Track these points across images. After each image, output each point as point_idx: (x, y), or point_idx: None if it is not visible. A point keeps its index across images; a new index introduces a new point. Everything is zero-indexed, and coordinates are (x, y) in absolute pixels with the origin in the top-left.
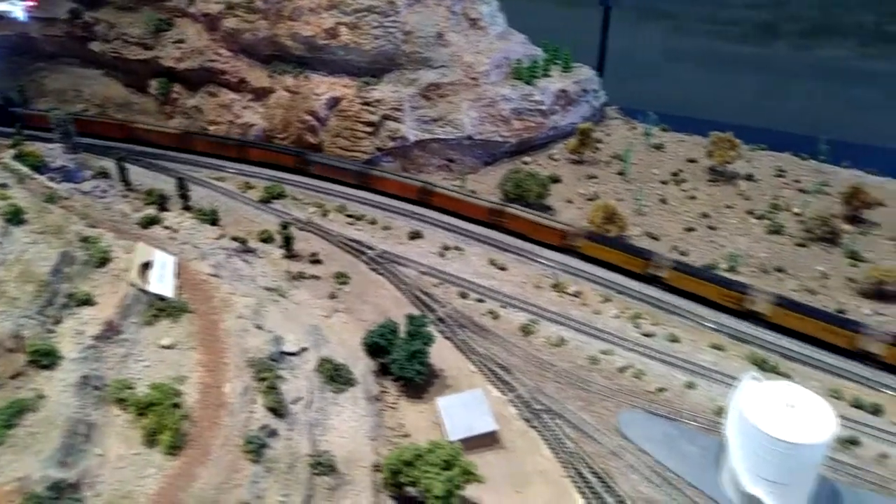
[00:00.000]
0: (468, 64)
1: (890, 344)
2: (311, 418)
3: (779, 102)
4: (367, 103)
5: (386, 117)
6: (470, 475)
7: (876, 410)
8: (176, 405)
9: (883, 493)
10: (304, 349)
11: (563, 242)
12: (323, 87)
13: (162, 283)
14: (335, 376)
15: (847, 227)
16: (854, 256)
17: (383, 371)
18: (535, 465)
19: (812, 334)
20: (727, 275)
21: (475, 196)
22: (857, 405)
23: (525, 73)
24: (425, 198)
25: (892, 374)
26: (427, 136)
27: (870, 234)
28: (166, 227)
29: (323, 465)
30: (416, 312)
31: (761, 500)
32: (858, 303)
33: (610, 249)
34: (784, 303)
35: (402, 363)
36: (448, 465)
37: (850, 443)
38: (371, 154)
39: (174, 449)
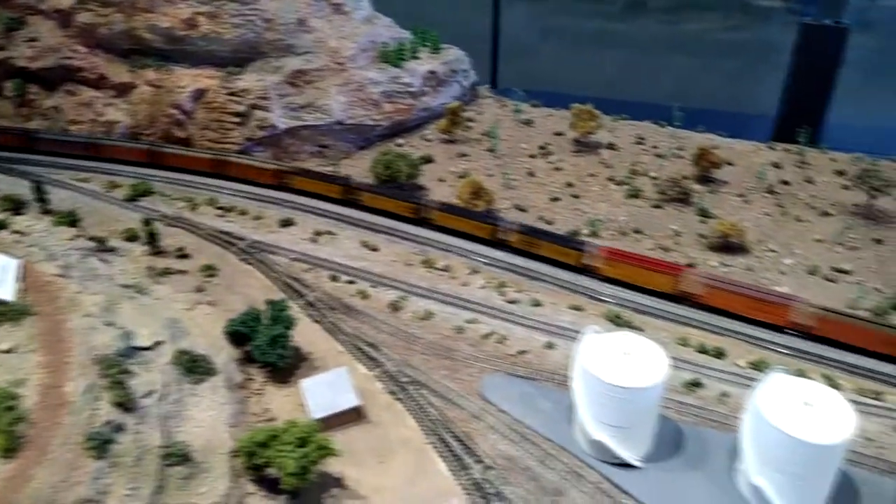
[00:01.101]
0: (333, 49)
1: (518, 233)
2: (165, 410)
3: (643, 75)
4: (233, 94)
5: (253, 107)
6: (325, 450)
7: (719, 354)
8: (10, 408)
9: (723, 430)
10: (158, 343)
11: (279, 181)
12: (186, 79)
13: (1, 287)
14: (193, 367)
15: (697, 186)
16: (704, 214)
17: (249, 359)
18: (399, 435)
19: (468, 231)
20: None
21: (203, 151)
22: (702, 350)
23: (393, 56)
24: (155, 160)
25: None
26: (297, 123)
27: (718, 192)
28: (15, 232)
29: (175, 456)
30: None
31: (606, 445)
32: (707, 256)
33: (313, 181)
34: (444, 207)
35: (264, 349)
36: (303, 443)
37: (693, 385)
38: (242, 144)
39: (9, 452)
